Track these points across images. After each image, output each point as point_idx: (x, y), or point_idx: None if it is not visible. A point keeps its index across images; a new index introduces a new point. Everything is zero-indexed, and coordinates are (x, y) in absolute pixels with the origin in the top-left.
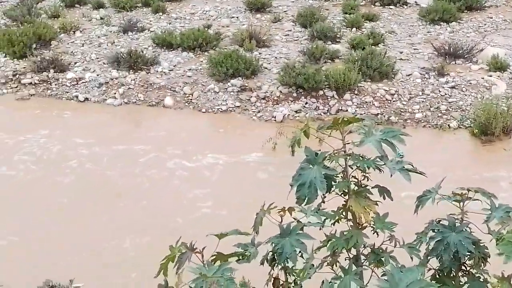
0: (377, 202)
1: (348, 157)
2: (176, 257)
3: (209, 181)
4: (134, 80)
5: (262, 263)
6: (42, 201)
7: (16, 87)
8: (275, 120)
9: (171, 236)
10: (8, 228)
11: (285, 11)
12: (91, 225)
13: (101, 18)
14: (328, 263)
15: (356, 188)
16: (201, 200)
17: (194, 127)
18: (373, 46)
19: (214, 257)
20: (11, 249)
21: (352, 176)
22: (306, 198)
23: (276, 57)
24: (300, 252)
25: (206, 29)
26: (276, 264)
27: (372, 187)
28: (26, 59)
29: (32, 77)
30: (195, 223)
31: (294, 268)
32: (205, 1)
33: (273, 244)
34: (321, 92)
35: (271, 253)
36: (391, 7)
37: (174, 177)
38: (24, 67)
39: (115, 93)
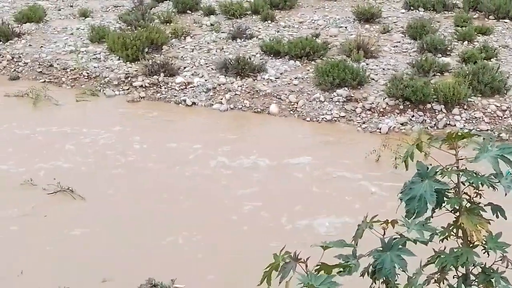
0: (490, 221)
1: (461, 173)
2: (280, 265)
3: (312, 193)
4: (240, 86)
5: (362, 275)
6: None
7: (128, 89)
8: (380, 132)
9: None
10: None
11: (394, 22)
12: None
13: (211, 25)
14: (435, 280)
15: (468, 205)
16: (305, 214)
17: (298, 135)
18: (485, 60)
19: (318, 267)
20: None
21: (464, 193)
22: (416, 212)
23: (383, 68)
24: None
25: (314, 38)
26: (377, 278)
27: (485, 205)
28: (138, 62)
29: (143, 80)
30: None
31: (397, 283)
32: (314, 10)
33: (374, 258)
34: (428, 106)
35: (372, 266)
36: (505, 20)
37: (279, 185)
38: (136, 70)
39: (221, 99)
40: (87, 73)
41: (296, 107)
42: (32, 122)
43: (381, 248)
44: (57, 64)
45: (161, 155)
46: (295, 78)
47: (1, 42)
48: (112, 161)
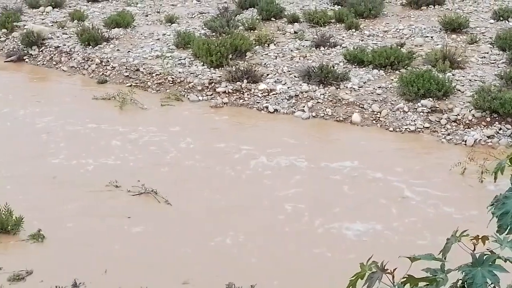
0: None
1: None
2: (366, 275)
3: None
4: (323, 94)
5: None
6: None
7: (211, 94)
8: (465, 144)
9: None
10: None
11: (482, 33)
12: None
13: (295, 32)
14: None
15: None
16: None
17: (380, 145)
18: None
19: (405, 279)
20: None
21: None
22: (508, 228)
23: (470, 80)
24: (492, 284)
25: (399, 47)
26: None
27: None
28: (222, 68)
29: (226, 86)
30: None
31: None
32: (399, 19)
33: (464, 273)
34: None
35: (460, 281)
36: None
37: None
38: (219, 76)
39: (303, 106)
40: (172, 78)
41: (379, 117)
42: (118, 124)
43: (471, 263)
44: (143, 68)
45: (243, 161)
46: (379, 87)
47: (91, 47)
48: (196, 167)
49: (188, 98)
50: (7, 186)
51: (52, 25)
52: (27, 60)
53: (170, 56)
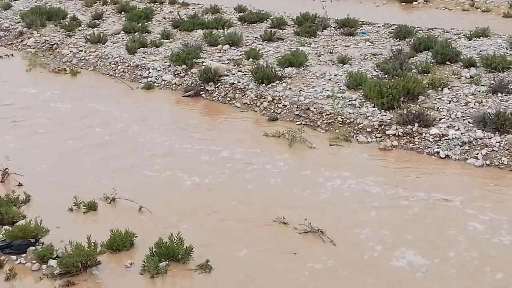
0: None
1: None
2: None
3: None
4: (499, 142)
5: None
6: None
7: (381, 137)
8: None
9: None
10: None
11: None
12: None
13: (471, 77)
14: None
15: None
16: None
17: None
18: None
19: None
20: None
21: None
22: None
23: None
24: None
25: None
26: None
27: None
28: (393, 111)
29: (396, 129)
30: None
31: None
32: None
33: None
34: None
35: None
36: None
37: None
38: (390, 119)
39: (477, 154)
40: (342, 118)
41: None
42: (285, 163)
43: None
44: (314, 108)
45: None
46: None
47: (264, 85)
48: (364, 209)
49: (357, 139)
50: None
51: (228, 63)
52: (203, 95)
53: (341, 96)
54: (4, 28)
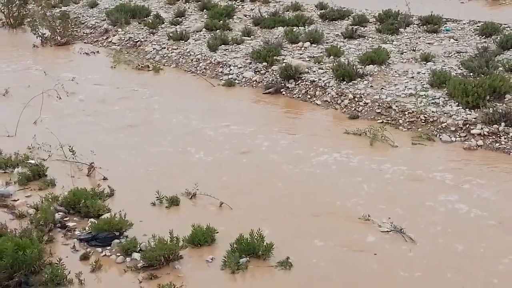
0: None
1: None
2: None
3: None
4: None
5: None
6: None
7: (465, 136)
8: None
9: None
10: None
11: None
12: None
13: None
14: None
15: None
16: None
17: None
18: None
19: None
20: None
21: None
22: None
23: None
24: None
25: None
26: None
27: None
28: (478, 110)
29: (481, 128)
30: None
31: None
32: None
33: None
34: None
35: None
36: None
37: None
38: (475, 118)
39: None
40: (425, 117)
41: None
42: (370, 160)
43: None
44: (396, 106)
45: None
46: None
47: (345, 82)
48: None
49: (440, 138)
50: (259, 214)
51: (309, 60)
52: (283, 92)
53: (424, 94)
54: (91, 25)
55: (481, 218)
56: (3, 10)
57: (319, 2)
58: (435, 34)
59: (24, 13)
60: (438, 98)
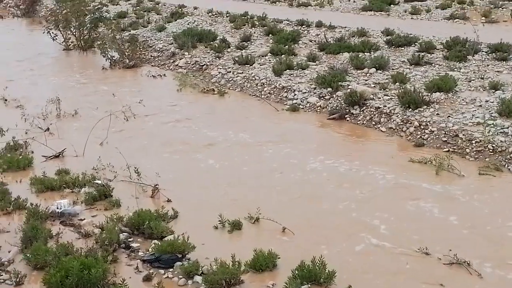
0: None
1: None
2: None
3: None
4: None
5: None
6: None
7: None
8: None
9: None
10: None
11: None
12: None
13: None
14: None
15: None
16: None
17: None
18: None
19: None
20: None
21: None
22: None
23: None
24: None
25: None
26: None
27: None
28: None
29: None
30: None
31: None
32: None
33: None
34: None
35: None
36: None
37: None
38: None
39: None
40: (493, 146)
41: None
42: (435, 189)
43: None
44: (463, 134)
45: None
46: None
47: (411, 109)
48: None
49: (509, 169)
50: (322, 240)
51: (374, 86)
52: (348, 118)
53: (492, 123)
54: (158, 49)
55: None
56: (74, 33)
57: (385, 28)
58: (504, 62)
59: (95, 36)
60: (507, 128)
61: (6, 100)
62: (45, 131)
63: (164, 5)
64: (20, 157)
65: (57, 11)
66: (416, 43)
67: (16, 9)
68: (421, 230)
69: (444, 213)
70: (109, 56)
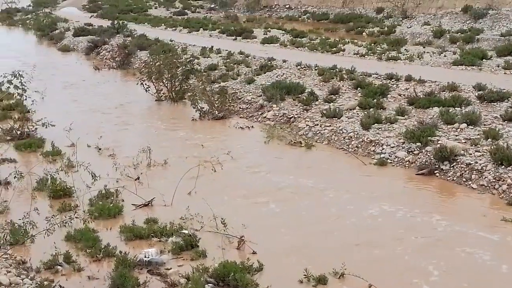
0: None
1: None
2: None
3: None
4: None
5: None
6: None
7: None
8: None
9: None
10: None
11: None
12: None
13: None
14: None
15: None
16: None
17: None
18: None
19: None
20: None
21: None
22: None
23: None
24: None
25: None
26: None
27: None
28: None
29: None
30: None
31: None
32: None
33: None
34: None
35: None
36: None
37: None
38: None
39: None
40: None
41: None
42: None
43: None
44: None
45: None
46: None
47: (504, 166)
48: None
49: None
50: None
51: (465, 142)
52: (437, 174)
53: None
54: (247, 101)
55: None
56: (166, 85)
57: (476, 83)
58: None
59: (186, 87)
60: None
61: (100, 149)
62: (135, 180)
63: (254, 58)
64: (111, 205)
65: (151, 63)
66: (509, 99)
67: (112, 61)
68: None
69: None
70: (199, 108)
